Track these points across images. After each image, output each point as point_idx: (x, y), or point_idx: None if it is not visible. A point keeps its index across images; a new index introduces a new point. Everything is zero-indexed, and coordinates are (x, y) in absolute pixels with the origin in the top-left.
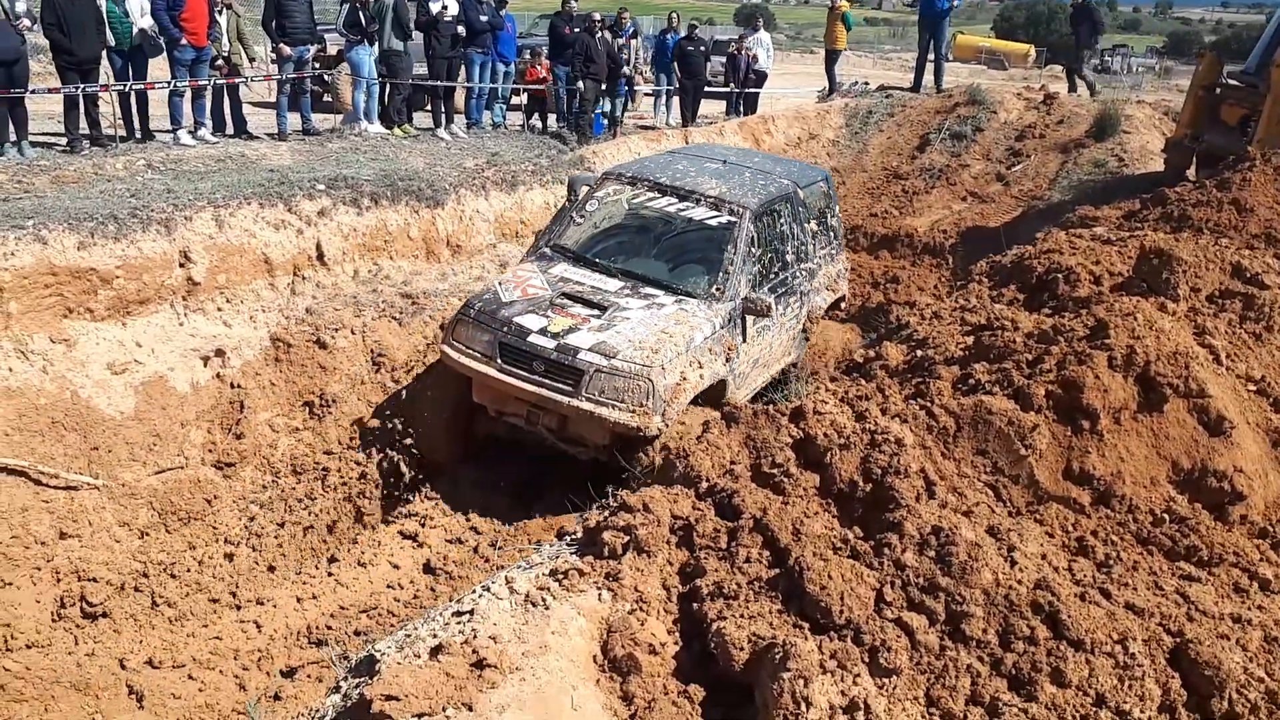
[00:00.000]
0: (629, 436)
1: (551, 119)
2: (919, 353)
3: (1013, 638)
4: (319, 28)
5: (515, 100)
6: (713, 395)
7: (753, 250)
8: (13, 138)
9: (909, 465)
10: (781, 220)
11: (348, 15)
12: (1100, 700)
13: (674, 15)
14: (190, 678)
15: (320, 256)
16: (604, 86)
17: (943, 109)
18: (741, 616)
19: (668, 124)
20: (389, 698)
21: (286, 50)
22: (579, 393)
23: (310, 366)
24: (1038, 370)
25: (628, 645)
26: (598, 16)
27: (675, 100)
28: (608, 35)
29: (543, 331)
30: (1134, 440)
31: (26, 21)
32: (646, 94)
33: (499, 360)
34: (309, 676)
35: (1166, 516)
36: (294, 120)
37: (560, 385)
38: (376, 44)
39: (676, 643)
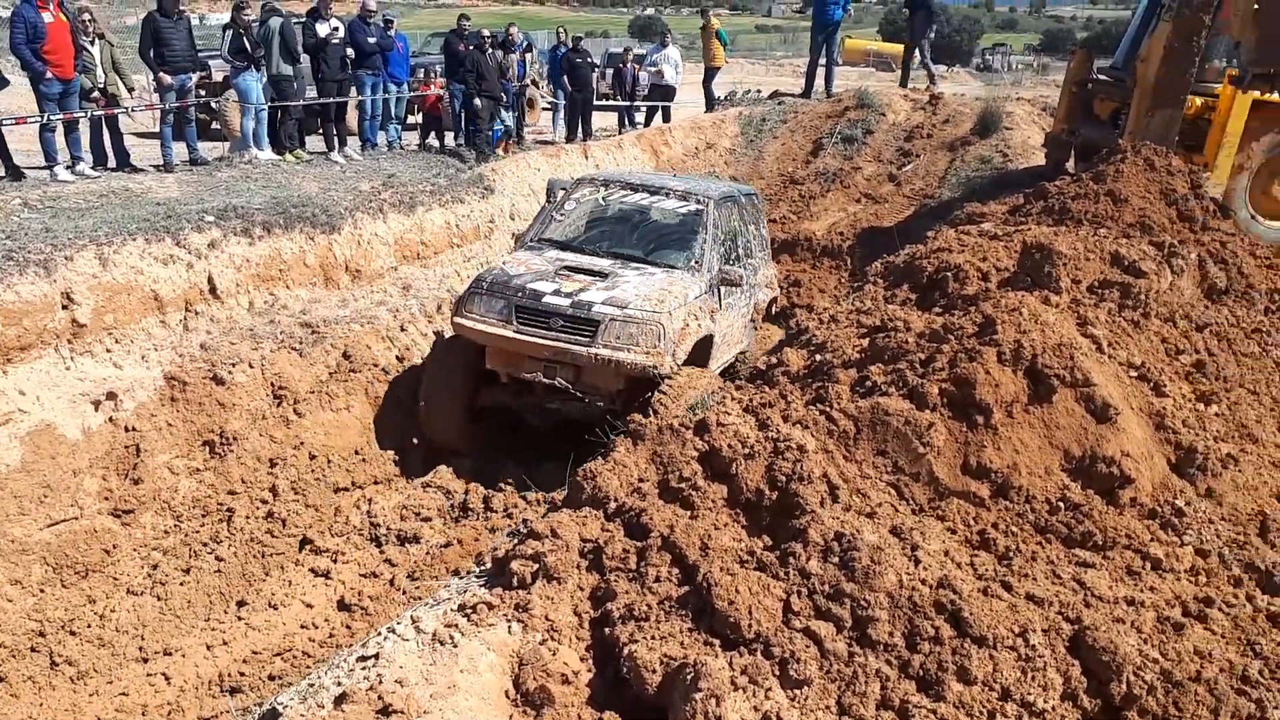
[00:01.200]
0: (641, 378)
1: (449, 137)
2: (818, 357)
3: (919, 639)
4: (201, 54)
5: (411, 120)
6: (701, 351)
7: (718, 233)
8: None
9: (812, 471)
10: (734, 217)
11: (232, 42)
12: (1005, 694)
13: (562, 29)
14: None
15: (213, 290)
16: (501, 102)
17: (834, 113)
18: (653, 638)
19: (565, 139)
20: None
21: (167, 79)
22: (596, 341)
23: (208, 404)
24: (931, 369)
25: (539, 677)
26: (487, 33)
27: (565, 114)
28: (498, 53)
29: (556, 293)
30: (1027, 431)
31: None
32: (545, 108)
33: (515, 322)
34: None
35: (1061, 504)
36: (180, 150)
37: (578, 337)
38: (264, 69)
39: (590, 670)
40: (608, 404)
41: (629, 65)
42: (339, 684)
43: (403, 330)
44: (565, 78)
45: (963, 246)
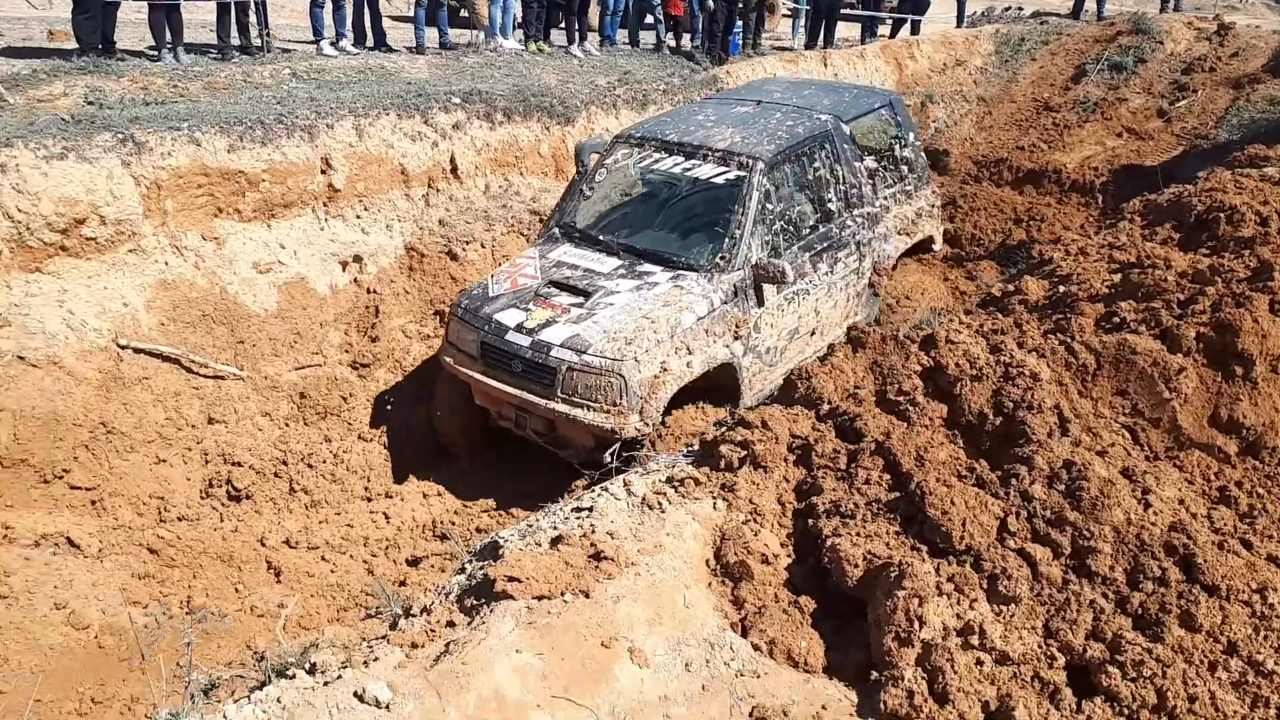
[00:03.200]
0: (608, 440)
1: (686, 39)
2: (1061, 289)
3: (1141, 578)
4: None
5: (650, 19)
6: (722, 380)
7: (769, 207)
8: (169, 43)
9: (1043, 401)
10: (816, 164)
11: None
12: (1232, 648)
13: None
14: (323, 559)
15: (454, 169)
16: (739, 6)
17: (1103, 38)
18: (857, 535)
19: (805, 46)
20: (511, 579)
21: None
22: (554, 393)
23: (441, 277)
24: (1189, 311)
25: (740, 553)
26: None
27: (810, 22)
28: None
29: (519, 328)
30: None
31: None
32: (785, 14)
33: (482, 361)
34: (432, 566)
35: None
36: (431, 34)
37: (537, 386)
38: None
39: (789, 556)
40: (586, 458)
41: None
42: (555, 528)
43: None
44: None
45: (1240, 189)
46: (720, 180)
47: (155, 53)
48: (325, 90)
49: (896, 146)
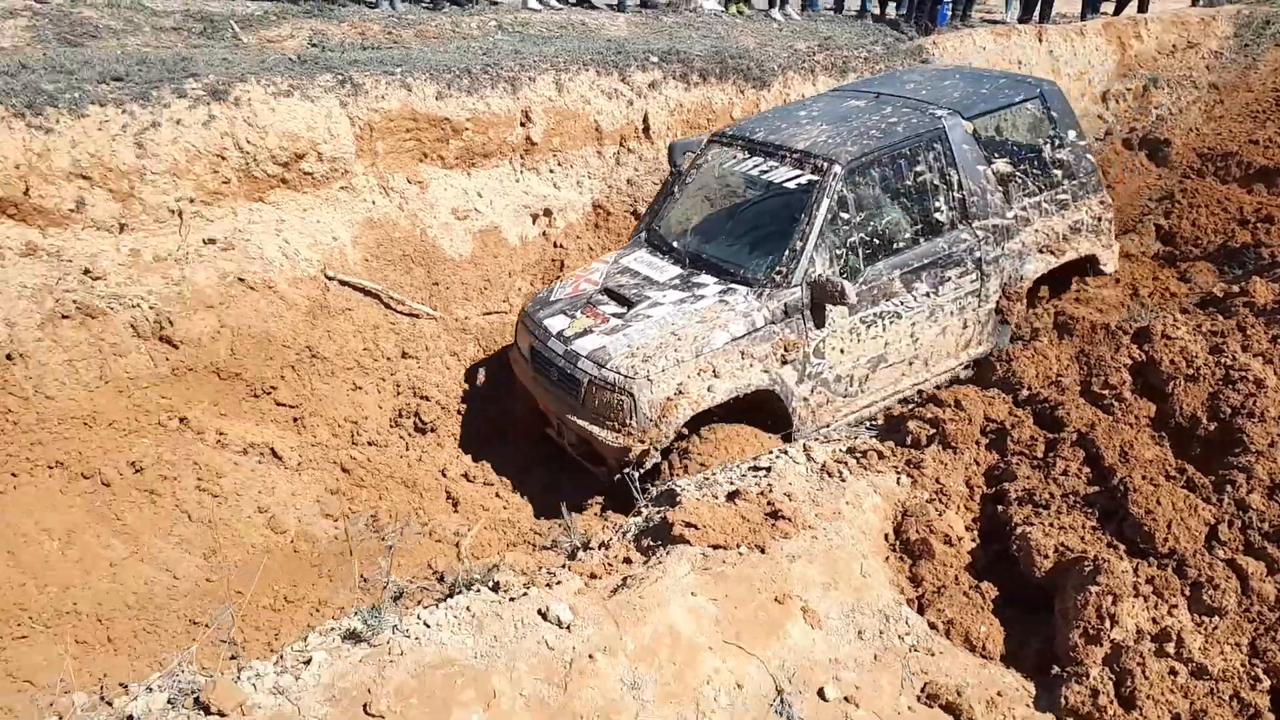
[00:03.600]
0: (625, 461)
1: (892, 7)
2: None
3: None
4: None
5: None
6: (773, 405)
7: (844, 216)
8: None
9: (1266, 409)
10: (920, 168)
11: None
12: None
13: None
14: (497, 495)
15: (646, 129)
16: None
17: None
18: (1050, 525)
19: (1018, 19)
20: (688, 524)
21: None
22: (580, 406)
23: (624, 236)
24: None
25: (923, 530)
26: None
27: None
28: None
29: (560, 335)
30: None
31: None
32: None
33: (531, 366)
34: (596, 513)
35: None
36: None
37: (570, 398)
38: None
39: (974, 540)
40: (618, 472)
41: None
42: (731, 484)
43: None
44: None
45: None
46: (792, 185)
47: (374, 0)
48: (529, 44)
49: (1046, 147)
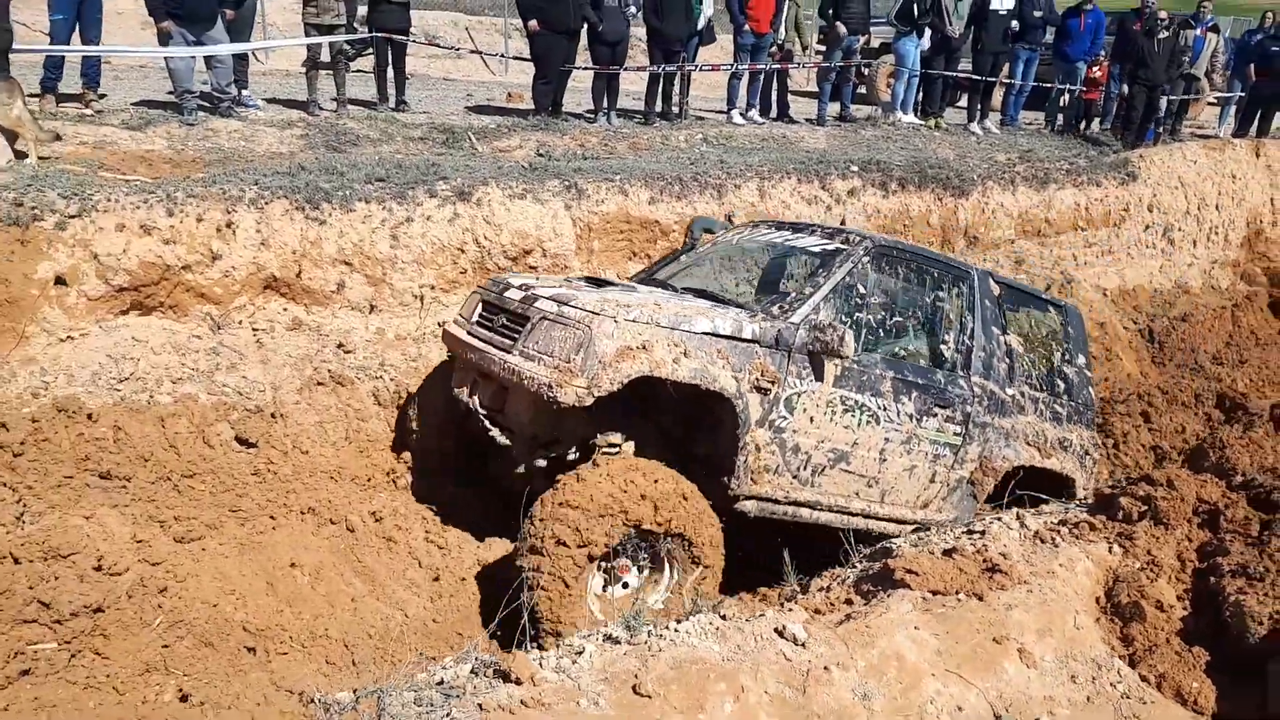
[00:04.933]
0: (545, 410)
1: (1096, 123)
2: None
3: None
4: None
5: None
6: (716, 423)
7: (859, 289)
8: (605, 108)
9: None
10: (940, 295)
11: (901, 6)
12: None
13: (1269, 14)
14: None
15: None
16: (1161, 90)
17: None
18: (1265, 595)
19: (1233, 133)
20: (909, 571)
21: (842, 30)
22: (516, 345)
23: None
24: None
25: (1134, 594)
26: (1164, 15)
27: (1245, 108)
28: (1188, 33)
29: (522, 286)
30: None
31: (633, 9)
32: (1210, 103)
33: (473, 320)
34: None
35: None
36: (833, 107)
37: (505, 340)
38: (924, 35)
39: (1185, 609)
40: (524, 455)
41: None
42: (946, 543)
43: None
44: (1251, 68)
45: None
46: (817, 249)
47: (593, 116)
48: (733, 154)
49: (1057, 355)
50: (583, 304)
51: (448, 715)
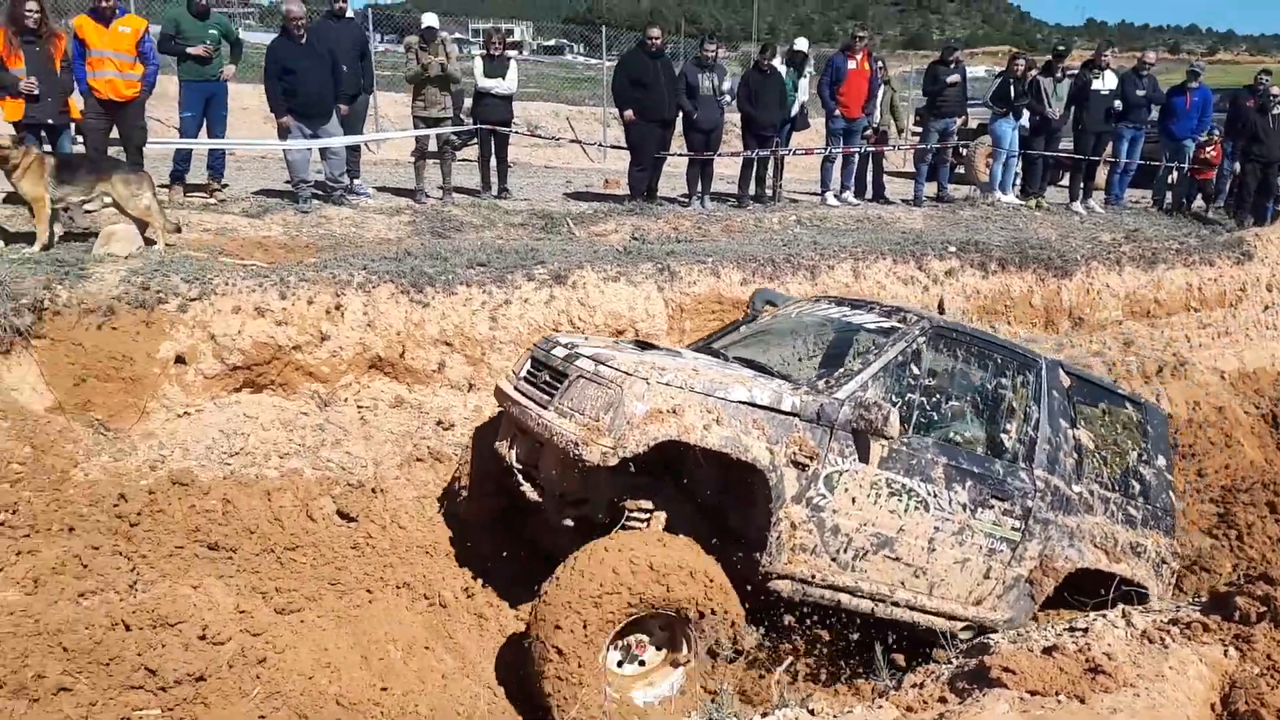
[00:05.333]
0: (573, 467)
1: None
2: None
3: None
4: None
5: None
6: (748, 501)
7: (912, 370)
8: (699, 192)
9: None
10: (1001, 383)
11: (998, 88)
12: None
13: None
14: None
15: (940, 313)
16: (1276, 167)
17: None
18: None
19: None
20: (1006, 670)
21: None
22: (553, 401)
23: None
24: None
25: (1253, 702)
26: (1276, 90)
27: None
28: None
29: (568, 344)
30: None
31: (728, 97)
32: None
33: (521, 376)
34: None
35: None
36: (930, 189)
37: (546, 394)
38: (1020, 116)
39: None
40: (554, 513)
41: None
42: (1047, 640)
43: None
44: None
45: None
46: (873, 326)
47: (687, 200)
48: (826, 235)
49: (1133, 456)
50: (619, 364)
51: None
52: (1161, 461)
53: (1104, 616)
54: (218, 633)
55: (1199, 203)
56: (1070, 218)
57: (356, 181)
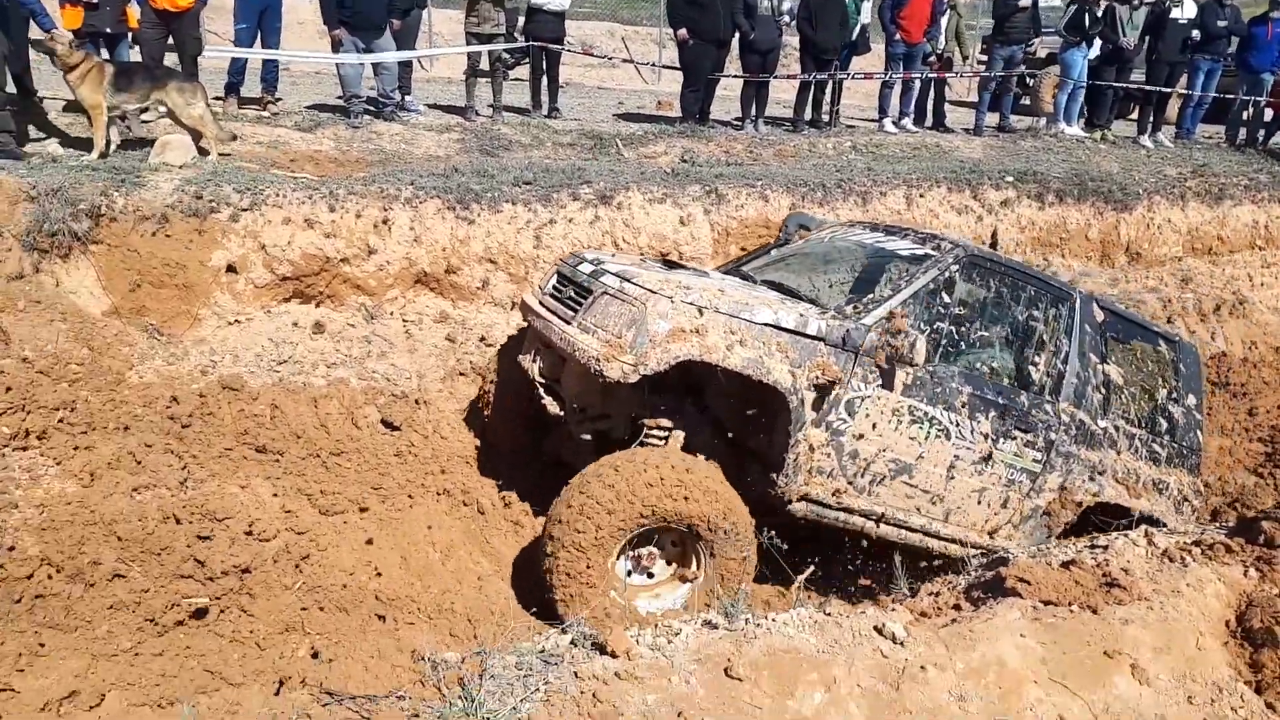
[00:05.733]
0: (594, 383)
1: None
2: None
3: None
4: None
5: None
6: (771, 416)
7: (944, 298)
8: (753, 116)
9: None
10: (1034, 314)
11: (1072, 16)
12: None
13: None
14: None
15: (993, 244)
16: None
17: None
18: None
19: None
20: (1021, 580)
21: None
22: (576, 317)
23: None
24: None
25: (1268, 620)
26: None
27: None
28: None
29: (595, 261)
30: None
31: (787, 18)
32: None
33: (546, 291)
34: None
35: None
36: (991, 118)
37: (570, 309)
38: (1093, 45)
39: None
40: (575, 427)
41: None
42: (1066, 555)
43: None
44: None
45: None
46: (906, 253)
47: (740, 123)
48: (881, 163)
49: (1163, 392)
50: (644, 282)
51: (545, 680)
52: (1191, 400)
53: (1126, 535)
54: (263, 529)
55: (1277, 139)
56: (1136, 151)
57: (408, 98)
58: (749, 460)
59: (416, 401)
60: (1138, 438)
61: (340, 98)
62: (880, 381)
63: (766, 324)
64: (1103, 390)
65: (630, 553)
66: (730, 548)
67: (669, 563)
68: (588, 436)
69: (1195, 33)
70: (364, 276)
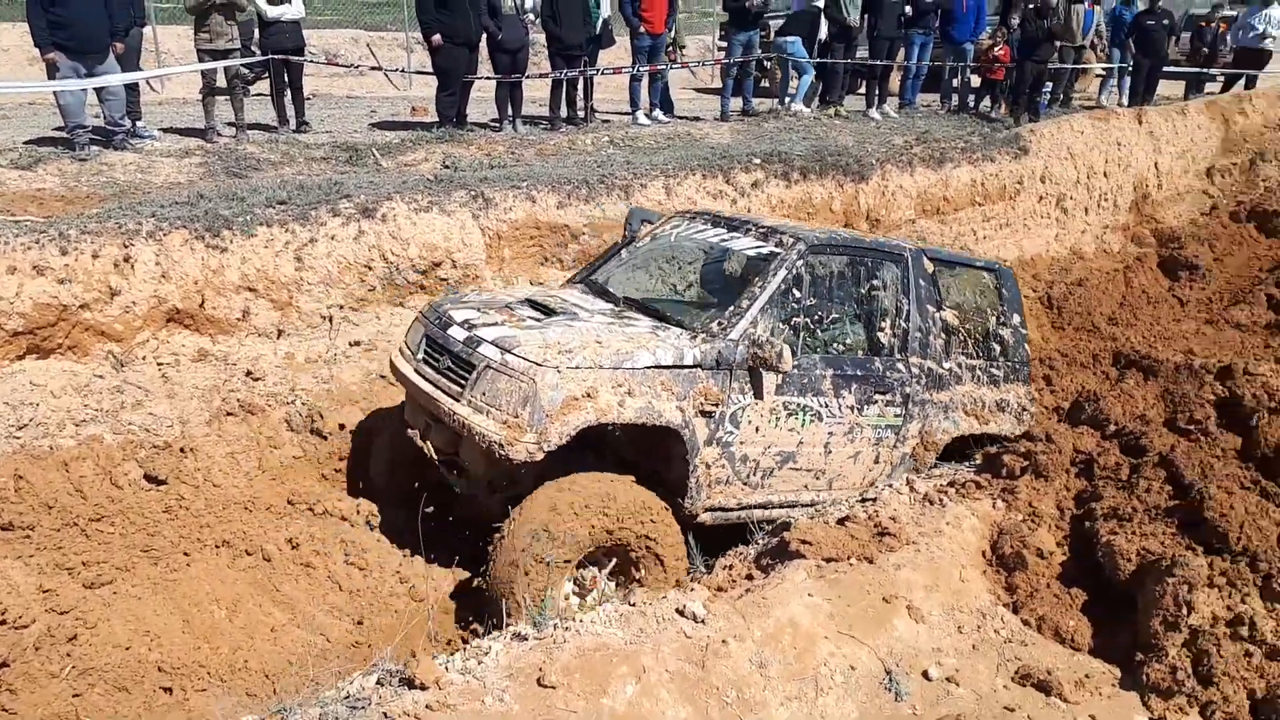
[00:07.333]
0: (496, 463)
1: (986, 101)
2: None
3: None
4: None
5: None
6: (668, 453)
7: (795, 294)
8: (510, 116)
9: None
10: (875, 284)
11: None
12: None
13: None
14: None
15: None
16: (1047, 67)
17: None
18: (1133, 534)
19: (1119, 104)
20: (803, 542)
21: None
22: (464, 394)
23: None
24: None
25: (1016, 545)
26: None
27: (1126, 80)
28: (1078, 8)
29: (465, 324)
30: None
31: (531, 16)
32: (1098, 73)
33: (419, 356)
34: None
35: None
36: (735, 103)
37: (454, 386)
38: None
39: (1064, 555)
40: (485, 498)
41: (1211, 25)
42: (840, 512)
43: None
44: (1131, 40)
45: None
46: (752, 253)
47: (498, 124)
48: (639, 155)
49: (992, 319)
50: (526, 353)
51: None
52: (1016, 319)
53: (890, 487)
54: (19, 615)
55: (986, 103)
56: (867, 124)
57: (139, 124)
58: (654, 485)
59: (182, 450)
60: (978, 368)
61: (62, 129)
62: (753, 391)
63: (649, 367)
64: (943, 335)
65: (574, 577)
66: (665, 553)
67: (610, 580)
68: (499, 496)
69: (908, 9)
70: (108, 321)
